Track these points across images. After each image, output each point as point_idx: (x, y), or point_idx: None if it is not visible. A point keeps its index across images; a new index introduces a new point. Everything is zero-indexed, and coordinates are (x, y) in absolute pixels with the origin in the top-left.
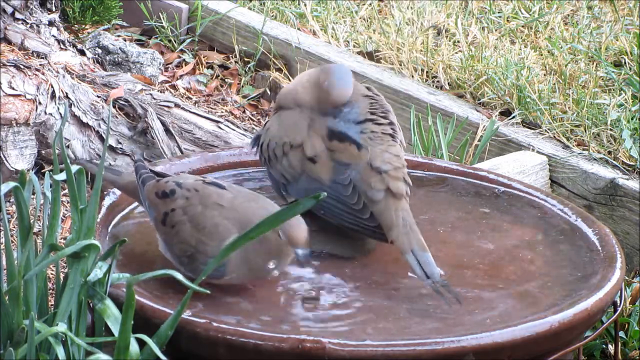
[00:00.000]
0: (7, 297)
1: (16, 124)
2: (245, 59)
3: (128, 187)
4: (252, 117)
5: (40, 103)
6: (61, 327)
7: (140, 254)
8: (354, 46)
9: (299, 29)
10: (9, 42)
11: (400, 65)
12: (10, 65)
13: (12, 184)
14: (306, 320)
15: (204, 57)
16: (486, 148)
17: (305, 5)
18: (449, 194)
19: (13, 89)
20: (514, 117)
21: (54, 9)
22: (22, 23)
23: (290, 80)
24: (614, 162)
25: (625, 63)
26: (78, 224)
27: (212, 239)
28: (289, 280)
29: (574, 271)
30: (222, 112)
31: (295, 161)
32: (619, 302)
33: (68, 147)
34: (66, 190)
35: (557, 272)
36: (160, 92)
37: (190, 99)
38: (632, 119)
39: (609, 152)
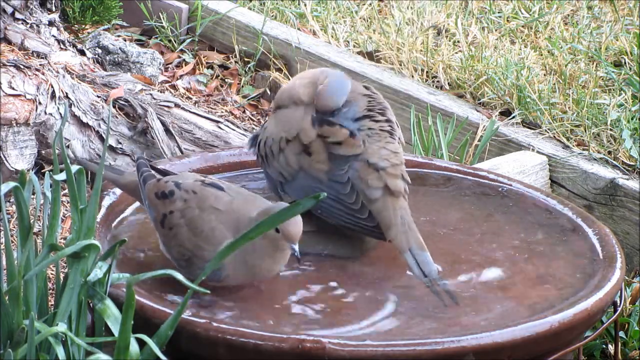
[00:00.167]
0: (7, 297)
1: (16, 124)
2: (245, 59)
3: (129, 187)
4: (252, 117)
5: (40, 103)
6: (61, 327)
7: (140, 254)
8: (354, 46)
9: (299, 29)
10: (9, 42)
11: (400, 65)
12: (10, 65)
13: (12, 184)
14: (306, 320)
15: (204, 57)
16: (486, 148)
17: (305, 5)
18: (449, 194)
19: (13, 89)
20: (514, 117)
21: (54, 9)
22: (22, 23)
23: (290, 80)
24: (614, 162)
25: (625, 63)
26: (78, 224)
27: (208, 243)
28: (288, 280)
29: (574, 271)
30: (222, 112)
31: (291, 156)
32: (619, 302)
33: (68, 147)
34: (66, 190)
35: (557, 272)
36: (160, 92)
37: (190, 99)
38: (632, 119)
39: (609, 152)
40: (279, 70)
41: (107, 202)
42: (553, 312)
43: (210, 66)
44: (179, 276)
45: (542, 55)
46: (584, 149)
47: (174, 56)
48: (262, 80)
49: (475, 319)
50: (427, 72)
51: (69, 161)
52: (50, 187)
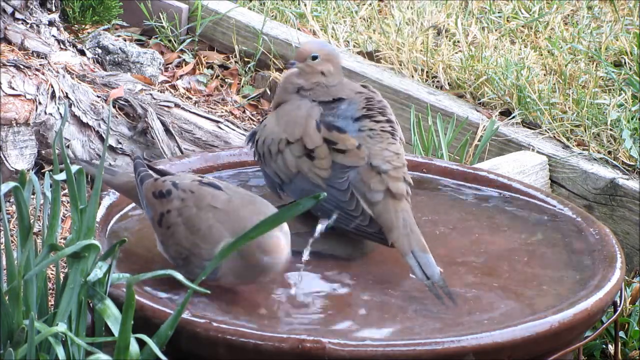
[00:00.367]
0: (7, 297)
1: (16, 124)
2: (245, 59)
3: (123, 187)
4: (252, 117)
5: (40, 103)
6: (61, 327)
7: (140, 254)
8: (354, 46)
9: (299, 29)
10: (9, 42)
11: (400, 65)
12: (10, 65)
13: (12, 184)
14: (306, 320)
15: (204, 57)
16: (486, 148)
17: (305, 5)
18: (449, 195)
19: (13, 89)
20: (514, 117)
21: (54, 9)
22: (22, 23)
23: None
24: (614, 162)
25: (625, 63)
26: (78, 224)
27: (206, 242)
28: (288, 281)
29: (574, 271)
30: (222, 112)
31: (290, 159)
32: (619, 302)
33: (68, 147)
34: (66, 190)
35: (557, 272)
36: (160, 92)
37: (190, 99)
38: (632, 119)
39: (609, 152)
40: (279, 70)
41: (107, 202)
42: (553, 312)
43: (210, 66)
44: (179, 276)
45: (542, 55)
46: (584, 149)
47: (174, 56)
48: (262, 80)
49: (476, 319)
50: (427, 72)
51: (69, 161)
52: (50, 187)
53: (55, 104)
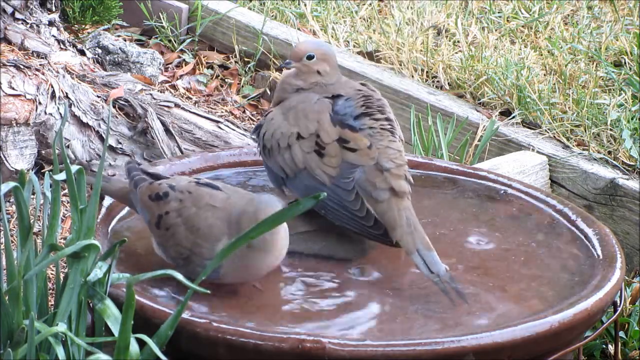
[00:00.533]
0: (7, 297)
1: (16, 124)
2: (245, 59)
3: (118, 193)
4: (252, 117)
5: (40, 103)
6: (61, 327)
7: (140, 254)
8: (354, 46)
9: (299, 29)
10: (9, 42)
11: (400, 65)
12: (10, 65)
13: (12, 184)
14: (306, 320)
15: (204, 57)
16: (486, 148)
17: (305, 5)
18: (449, 195)
19: (13, 89)
20: (514, 117)
21: (54, 9)
22: (22, 23)
23: None
24: (614, 162)
25: (625, 63)
26: (78, 224)
27: (206, 240)
28: (289, 280)
29: (574, 271)
30: (222, 112)
31: (299, 154)
32: (619, 302)
33: (68, 147)
34: (66, 190)
35: (557, 272)
36: (160, 92)
37: (190, 99)
38: (632, 119)
39: (609, 152)
40: (279, 70)
41: (107, 202)
42: (553, 312)
43: (210, 66)
44: (179, 276)
45: (542, 55)
46: (584, 149)
47: (174, 56)
48: (262, 80)
49: (476, 319)
50: (427, 72)
51: (69, 161)
52: (50, 187)
53: (55, 104)
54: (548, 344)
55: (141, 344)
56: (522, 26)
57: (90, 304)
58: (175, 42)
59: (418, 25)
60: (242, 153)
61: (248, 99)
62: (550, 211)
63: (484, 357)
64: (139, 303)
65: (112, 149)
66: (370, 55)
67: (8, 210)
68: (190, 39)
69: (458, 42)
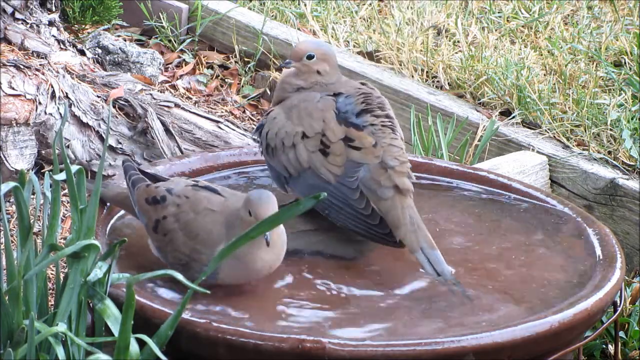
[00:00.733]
0: (7, 297)
1: (16, 124)
2: (245, 59)
3: (116, 199)
4: (252, 117)
5: (40, 103)
6: (61, 327)
7: (140, 254)
8: (354, 46)
9: (299, 29)
10: (9, 42)
11: (400, 65)
12: (10, 65)
13: (12, 184)
14: (306, 320)
15: (204, 57)
16: (486, 148)
17: (305, 5)
18: (449, 195)
19: (13, 89)
20: (514, 117)
21: (54, 9)
22: (22, 23)
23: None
24: (614, 162)
25: (625, 63)
26: (78, 224)
27: (206, 246)
28: (289, 280)
29: (574, 271)
30: (222, 112)
31: (304, 153)
32: (619, 302)
33: (68, 147)
34: (66, 190)
35: (557, 272)
36: (160, 92)
37: (190, 99)
38: (632, 119)
39: (609, 152)
40: (279, 70)
41: None
42: (553, 312)
43: (210, 66)
44: (179, 276)
45: (542, 55)
46: (584, 149)
47: (174, 56)
48: (262, 80)
49: (476, 318)
50: (427, 72)
51: (69, 161)
52: (50, 187)
53: (55, 104)
54: (548, 344)
55: (141, 344)
56: (522, 26)
57: (90, 304)
58: (175, 42)
59: (418, 25)
60: (242, 153)
61: (248, 99)
62: (550, 211)
63: (484, 357)
64: (139, 303)
65: (112, 149)
66: (370, 55)
67: (8, 210)
68: (190, 39)
69: (458, 42)
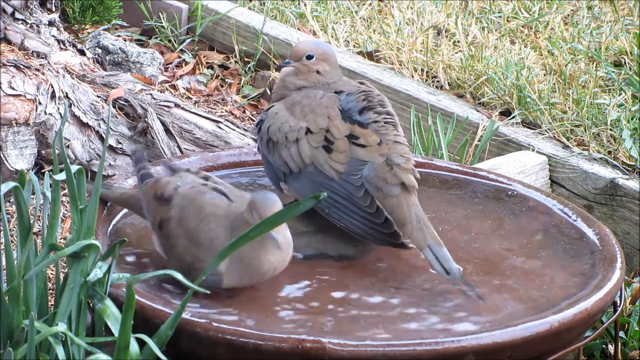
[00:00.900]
0: (7, 297)
1: (16, 124)
2: (245, 59)
3: (120, 199)
4: (252, 117)
5: (40, 103)
6: (61, 327)
7: (140, 254)
8: (354, 46)
9: (299, 29)
10: (9, 42)
11: (400, 65)
12: (10, 65)
13: (12, 184)
14: (306, 320)
15: (204, 57)
16: (486, 148)
17: (305, 5)
18: (449, 195)
19: (13, 89)
20: (514, 117)
21: (54, 9)
22: (22, 23)
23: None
24: (614, 162)
25: (625, 63)
26: (78, 224)
27: (209, 254)
28: (289, 281)
29: (574, 271)
30: (222, 112)
31: (306, 149)
32: (619, 302)
33: (68, 147)
34: (66, 190)
35: (557, 272)
36: (160, 92)
37: (190, 99)
38: (632, 119)
39: (609, 152)
40: (279, 70)
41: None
42: (553, 312)
43: (210, 66)
44: (179, 276)
45: (542, 55)
46: (584, 149)
47: (174, 56)
48: (262, 80)
49: (477, 318)
50: (427, 72)
51: (69, 161)
52: (50, 187)
53: (55, 104)
54: (548, 344)
55: (141, 344)
56: (522, 26)
57: (90, 304)
58: (175, 42)
59: (418, 25)
60: (242, 153)
61: (248, 99)
62: (550, 211)
63: (484, 357)
64: (139, 303)
65: (112, 149)
66: (370, 55)
67: (8, 210)
68: (190, 39)
69: (458, 42)
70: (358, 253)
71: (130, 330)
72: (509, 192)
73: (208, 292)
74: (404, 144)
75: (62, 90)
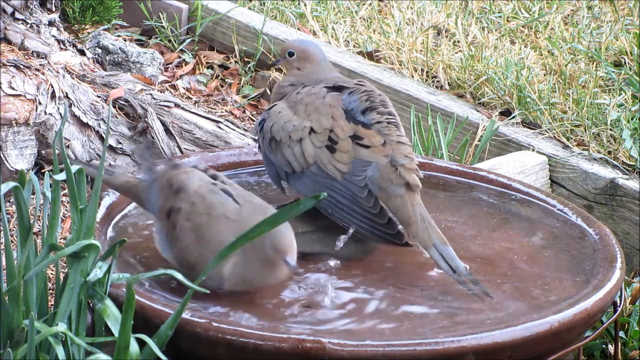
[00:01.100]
0: (7, 297)
1: (16, 124)
2: (245, 59)
3: (123, 187)
4: (252, 117)
5: (40, 103)
6: (61, 327)
7: (140, 254)
8: (354, 46)
9: (299, 29)
10: (9, 42)
11: (400, 65)
12: (10, 65)
13: (12, 184)
14: (306, 320)
15: (204, 57)
16: (486, 148)
17: (305, 5)
18: (449, 195)
19: (13, 89)
20: (514, 117)
21: (54, 9)
22: (22, 23)
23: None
24: (614, 162)
25: (625, 63)
26: (78, 224)
27: (214, 255)
28: (289, 280)
29: (574, 271)
30: (222, 112)
31: (310, 149)
32: (619, 302)
33: (68, 147)
34: (66, 190)
35: (557, 272)
36: (160, 92)
37: (190, 99)
38: (632, 119)
39: (609, 152)
40: (279, 70)
41: (106, 201)
42: (553, 312)
43: (210, 66)
44: (179, 276)
45: (542, 55)
46: (584, 149)
47: (174, 56)
48: (262, 80)
49: (478, 318)
50: (427, 72)
51: (69, 161)
52: (50, 187)
53: (55, 104)
54: (548, 344)
55: (141, 344)
56: (522, 26)
57: (90, 304)
58: (175, 42)
59: (418, 25)
60: (242, 153)
61: (248, 99)
62: (550, 211)
63: (484, 357)
64: (139, 303)
65: (112, 149)
66: (370, 55)
67: (8, 210)
68: (190, 39)
69: (458, 42)
70: (360, 252)
71: (130, 330)
72: (509, 192)
73: (208, 292)
74: (407, 144)
75: (62, 90)
